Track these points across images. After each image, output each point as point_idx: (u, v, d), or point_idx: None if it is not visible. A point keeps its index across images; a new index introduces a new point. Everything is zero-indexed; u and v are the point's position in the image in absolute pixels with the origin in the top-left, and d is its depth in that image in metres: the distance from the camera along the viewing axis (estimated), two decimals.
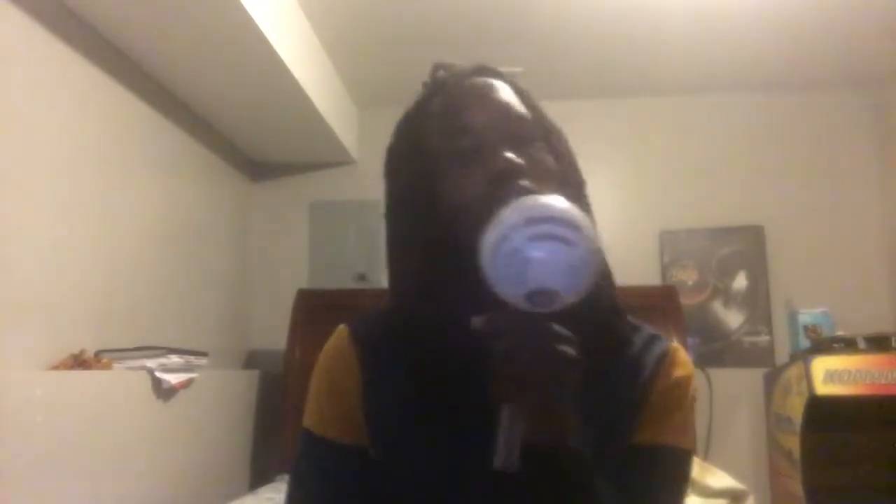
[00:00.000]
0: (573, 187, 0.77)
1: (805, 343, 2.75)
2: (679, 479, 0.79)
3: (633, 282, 2.82)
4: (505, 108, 0.76)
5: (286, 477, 2.63)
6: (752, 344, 3.12)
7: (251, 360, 3.24)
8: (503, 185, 0.68)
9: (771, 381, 2.89)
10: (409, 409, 0.75)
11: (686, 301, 3.05)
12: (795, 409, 2.52)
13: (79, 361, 1.86)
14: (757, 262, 3.17)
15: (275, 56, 2.28)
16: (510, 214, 0.60)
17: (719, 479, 2.32)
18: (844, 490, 2.52)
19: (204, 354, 2.35)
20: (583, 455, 0.67)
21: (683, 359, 0.81)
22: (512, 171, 0.69)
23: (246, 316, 3.27)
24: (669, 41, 2.79)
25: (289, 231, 3.38)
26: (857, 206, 3.16)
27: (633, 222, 3.24)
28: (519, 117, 0.76)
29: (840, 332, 2.61)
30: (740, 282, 3.17)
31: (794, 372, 2.58)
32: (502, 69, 0.83)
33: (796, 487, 2.50)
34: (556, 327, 0.61)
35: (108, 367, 1.93)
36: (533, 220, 0.59)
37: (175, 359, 2.15)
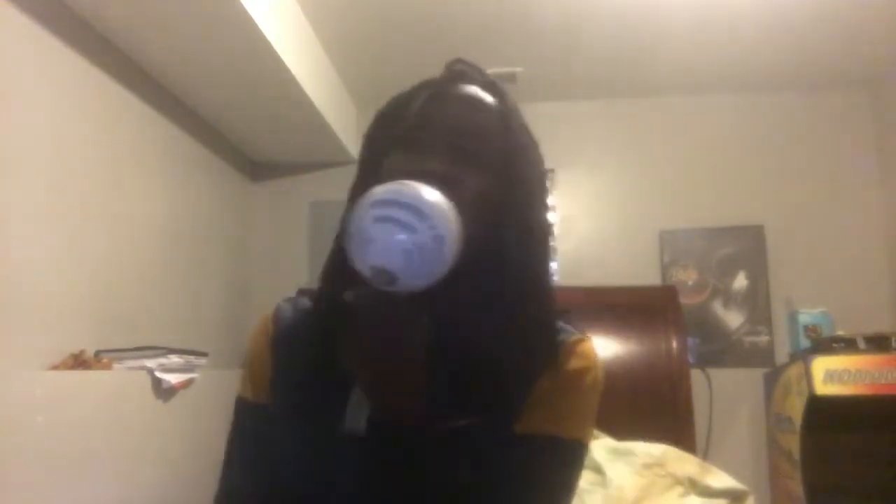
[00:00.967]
0: (512, 206, 0.78)
1: (805, 343, 2.75)
2: (562, 468, 0.78)
3: (633, 282, 2.83)
4: (471, 122, 0.77)
5: None
6: (752, 344, 3.12)
7: None
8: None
9: (771, 381, 2.90)
10: (299, 379, 0.82)
11: (686, 301, 3.05)
12: (795, 409, 2.52)
13: (79, 361, 1.86)
14: (757, 262, 3.17)
15: (275, 56, 2.28)
16: (370, 193, 0.64)
17: (719, 479, 2.32)
18: (844, 490, 2.52)
19: (204, 354, 2.35)
20: (432, 431, 0.69)
21: (583, 350, 0.81)
22: (429, 175, 0.70)
23: (246, 316, 3.27)
24: (669, 41, 2.79)
25: (289, 231, 3.38)
26: (857, 206, 3.16)
27: (633, 222, 3.25)
28: (480, 135, 0.77)
29: (840, 332, 2.61)
30: (740, 282, 3.17)
31: (794, 372, 2.58)
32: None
33: (796, 487, 2.50)
34: (404, 308, 0.64)
35: (108, 367, 1.93)
36: (378, 203, 0.62)
37: (175, 359, 2.15)
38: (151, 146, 2.49)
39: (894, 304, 3.06)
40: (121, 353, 2.00)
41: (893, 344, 2.44)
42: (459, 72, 0.82)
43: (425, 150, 0.74)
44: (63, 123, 1.99)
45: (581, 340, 0.81)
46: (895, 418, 2.50)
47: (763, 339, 3.12)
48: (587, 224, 3.20)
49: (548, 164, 0.88)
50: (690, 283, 3.19)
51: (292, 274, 3.26)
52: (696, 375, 2.91)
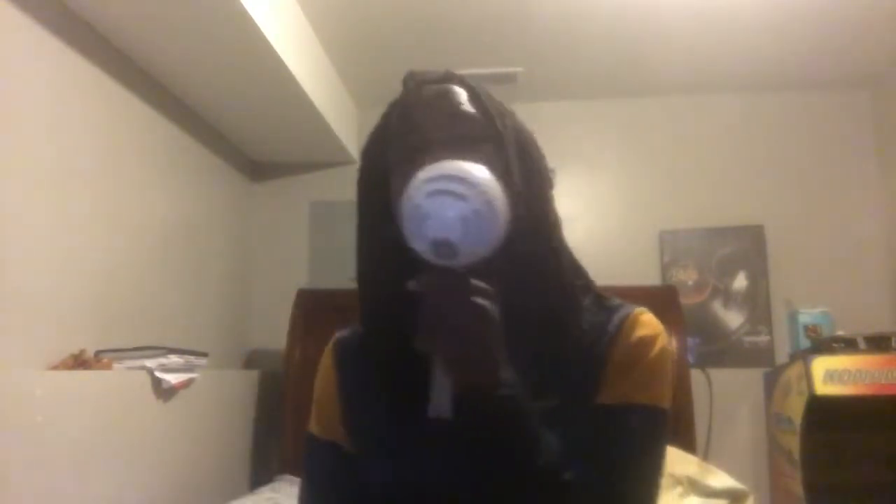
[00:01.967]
0: (529, 185, 0.81)
1: (805, 343, 2.75)
2: (650, 435, 0.80)
3: (633, 282, 2.83)
4: (453, 109, 0.79)
5: (286, 477, 2.64)
6: (752, 344, 3.12)
7: (251, 360, 3.24)
8: None
9: (771, 381, 2.90)
10: (375, 405, 0.84)
11: (686, 301, 3.05)
12: (795, 408, 2.52)
13: (79, 361, 1.86)
14: (757, 261, 3.17)
15: (275, 56, 2.28)
16: (416, 177, 0.67)
17: (719, 479, 2.32)
18: (844, 490, 2.52)
19: (204, 354, 2.35)
20: (516, 403, 0.71)
21: (647, 320, 0.84)
22: None
23: (246, 316, 3.27)
24: (669, 41, 2.79)
25: (289, 231, 3.38)
26: (857, 205, 3.16)
27: (633, 222, 3.25)
28: (467, 117, 0.79)
29: (840, 332, 2.61)
30: (740, 282, 3.17)
31: (794, 372, 2.58)
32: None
33: (796, 487, 2.50)
34: (473, 281, 0.66)
35: (108, 367, 1.93)
36: (428, 179, 0.66)
37: (175, 359, 2.15)
38: (152, 146, 2.49)
39: (894, 304, 3.06)
40: (121, 353, 2.00)
41: (893, 344, 2.44)
42: (416, 81, 0.83)
43: (428, 150, 0.75)
44: (63, 124, 1.99)
45: (643, 311, 0.85)
46: (895, 418, 2.50)
47: (763, 339, 3.12)
48: (587, 224, 3.20)
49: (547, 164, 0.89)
50: (690, 283, 3.19)
51: (292, 274, 3.27)
52: (696, 375, 2.92)
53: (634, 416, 0.79)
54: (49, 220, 1.91)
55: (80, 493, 1.71)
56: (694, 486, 2.28)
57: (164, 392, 2.09)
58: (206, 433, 2.48)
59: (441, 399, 0.67)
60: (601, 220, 3.25)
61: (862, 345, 2.46)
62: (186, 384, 2.19)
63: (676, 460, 2.36)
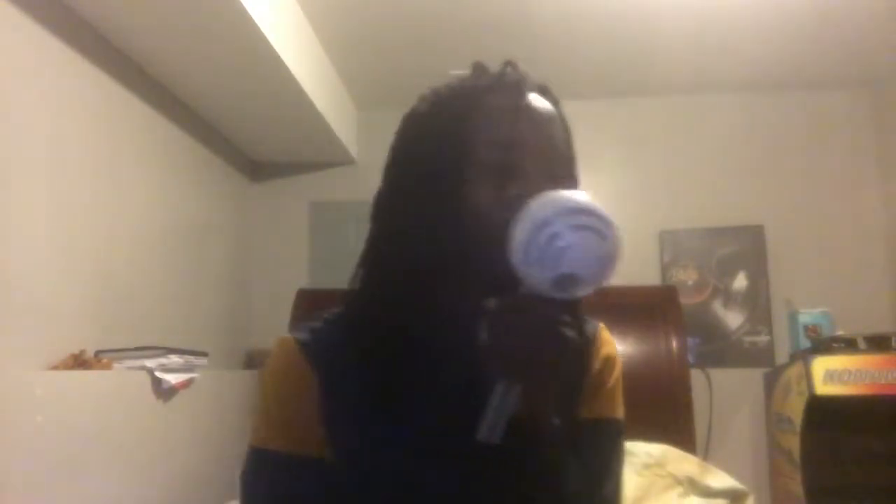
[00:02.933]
0: None
1: (805, 343, 2.75)
2: (617, 449, 0.84)
3: (633, 282, 2.82)
4: (553, 144, 0.77)
5: None
6: (752, 344, 3.12)
7: (251, 360, 3.24)
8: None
9: (771, 381, 2.90)
10: (368, 409, 0.75)
11: (686, 301, 3.05)
12: (795, 409, 2.52)
13: (79, 361, 1.86)
14: (757, 262, 3.17)
15: (275, 56, 2.28)
16: (549, 202, 0.64)
17: (719, 479, 2.32)
18: (844, 490, 2.52)
19: (204, 354, 2.35)
20: (557, 430, 0.72)
21: (608, 337, 0.87)
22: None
23: (246, 316, 3.27)
24: (669, 41, 2.79)
25: (289, 231, 3.38)
26: (857, 205, 3.16)
27: (633, 222, 3.24)
28: (563, 158, 0.78)
29: (840, 332, 2.61)
30: (740, 282, 3.17)
31: (794, 372, 2.58)
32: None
33: (796, 487, 2.50)
34: (559, 311, 0.66)
35: (108, 367, 1.93)
36: (575, 211, 0.64)
37: (175, 359, 2.15)
38: (151, 146, 2.49)
39: (894, 304, 3.06)
40: (121, 353, 2.00)
41: (893, 344, 2.44)
42: (518, 79, 0.79)
43: (523, 176, 0.72)
44: (63, 123, 1.98)
45: (603, 327, 0.88)
46: (895, 418, 2.50)
47: (763, 339, 3.12)
48: None
49: None
50: (690, 283, 3.19)
51: (292, 274, 3.27)
52: (696, 375, 2.92)
53: (611, 430, 0.83)
54: (49, 219, 1.90)
55: (79, 493, 1.71)
56: (694, 486, 2.28)
57: (164, 392, 2.09)
58: (205, 433, 2.48)
59: (497, 422, 0.65)
60: None
61: (862, 345, 2.46)
62: (186, 384, 2.19)
63: (676, 460, 2.36)
